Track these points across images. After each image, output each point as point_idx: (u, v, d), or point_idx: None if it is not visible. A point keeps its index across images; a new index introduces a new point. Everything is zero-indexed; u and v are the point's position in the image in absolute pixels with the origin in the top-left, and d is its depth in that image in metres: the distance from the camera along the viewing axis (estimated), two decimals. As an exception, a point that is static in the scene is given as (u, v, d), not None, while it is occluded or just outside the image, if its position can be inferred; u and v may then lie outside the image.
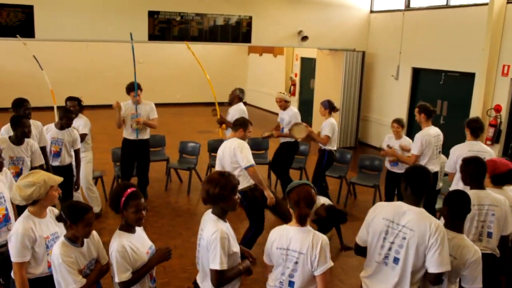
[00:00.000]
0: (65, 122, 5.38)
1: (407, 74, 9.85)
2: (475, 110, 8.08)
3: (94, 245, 2.98)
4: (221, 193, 2.80)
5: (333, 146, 6.60)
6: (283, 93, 7.04)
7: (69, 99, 6.00)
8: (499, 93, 7.85)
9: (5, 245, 3.29)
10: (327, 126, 6.50)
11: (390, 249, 2.89)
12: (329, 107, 6.59)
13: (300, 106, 14.27)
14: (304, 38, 9.60)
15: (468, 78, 8.38)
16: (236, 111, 6.81)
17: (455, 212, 3.09)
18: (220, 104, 7.42)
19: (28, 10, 7.49)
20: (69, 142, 5.41)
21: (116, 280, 2.75)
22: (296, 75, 14.32)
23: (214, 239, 2.73)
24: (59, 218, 2.86)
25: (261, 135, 7.13)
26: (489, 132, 7.81)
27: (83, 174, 5.94)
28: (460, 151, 4.80)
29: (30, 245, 2.93)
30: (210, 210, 2.95)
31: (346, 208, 6.75)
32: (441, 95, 9.24)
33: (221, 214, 2.88)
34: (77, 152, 5.53)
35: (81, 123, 5.97)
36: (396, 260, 2.87)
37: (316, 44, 10.12)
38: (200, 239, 2.92)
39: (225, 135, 6.93)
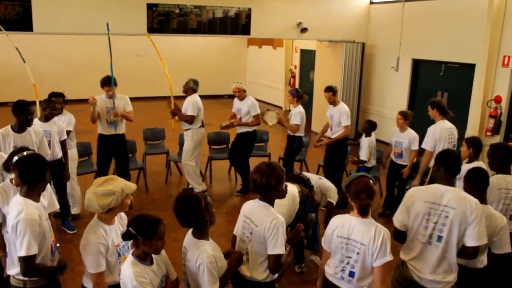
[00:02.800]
0: (48, 112, 5.21)
1: (407, 66, 9.82)
2: (475, 101, 8.07)
3: (162, 261, 2.78)
4: (268, 183, 2.88)
5: (301, 133, 6.86)
6: (241, 83, 6.98)
7: (55, 95, 5.69)
8: (499, 84, 7.83)
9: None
10: (298, 115, 6.70)
11: (434, 228, 3.09)
12: (297, 95, 6.77)
13: (300, 98, 14.26)
14: (304, 30, 9.55)
15: (468, 69, 8.35)
16: (189, 103, 6.71)
17: (477, 186, 3.32)
18: (220, 97, 7.40)
19: (25, 4, 7.44)
20: (57, 133, 5.28)
21: None
22: (295, 67, 14.28)
23: (274, 225, 2.80)
24: (127, 236, 2.60)
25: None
26: (489, 123, 7.81)
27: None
28: (440, 130, 5.36)
29: (104, 253, 2.79)
30: (254, 201, 3.01)
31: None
32: (441, 86, 9.21)
33: (270, 202, 2.95)
34: (63, 143, 5.39)
35: (65, 120, 5.72)
36: (439, 238, 3.08)
37: (316, 36, 10.07)
38: (250, 229, 2.95)
39: (182, 126, 6.87)
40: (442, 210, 3.05)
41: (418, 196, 3.16)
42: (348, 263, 2.87)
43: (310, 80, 13.15)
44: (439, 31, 8.92)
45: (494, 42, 7.74)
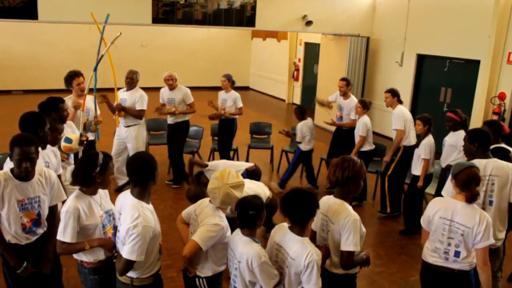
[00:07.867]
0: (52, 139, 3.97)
1: (411, 61, 9.80)
2: (479, 98, 8.06)
3: None
4: (355, 176, 2.92)
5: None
6: (173, 71, 6.87)
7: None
8: (503, 80, 7.82)
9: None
10: (238, 100, 7.19)
11: (485, 196, 3.71)
12: (232, 81, 7.28)
13: (303, 92, 14.25)
14: (309, 23, 9.52)
15: (473, 65, 8.33)
16: (140, 97, 6.41)
17: (484, 146, 3.79)
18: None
19: (31, -9, 7.43)
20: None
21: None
22: (299, 60, 14.25)
23: (348, 221, 2.84)
24: (248, 220, 2.80)
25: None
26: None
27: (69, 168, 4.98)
28: (405, 112, 6.11)
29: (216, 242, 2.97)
30: (328, 197, 3.07)
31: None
32: (445, 82, 9.20)
33: (345, 198, 3.01)
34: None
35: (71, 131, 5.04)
36: (491, 203, 3.73)
37: (321, 29, 10.04)
38: (328, 227, 2.98)
39: (120, 122, 6.55)
40: (488, 180, 3.67)
41: None
42: (450, 244, 3.16)
43: (314, 74, 13.13)
44: (445, 27, 8.88)
45: (500, 38, 7.71)
